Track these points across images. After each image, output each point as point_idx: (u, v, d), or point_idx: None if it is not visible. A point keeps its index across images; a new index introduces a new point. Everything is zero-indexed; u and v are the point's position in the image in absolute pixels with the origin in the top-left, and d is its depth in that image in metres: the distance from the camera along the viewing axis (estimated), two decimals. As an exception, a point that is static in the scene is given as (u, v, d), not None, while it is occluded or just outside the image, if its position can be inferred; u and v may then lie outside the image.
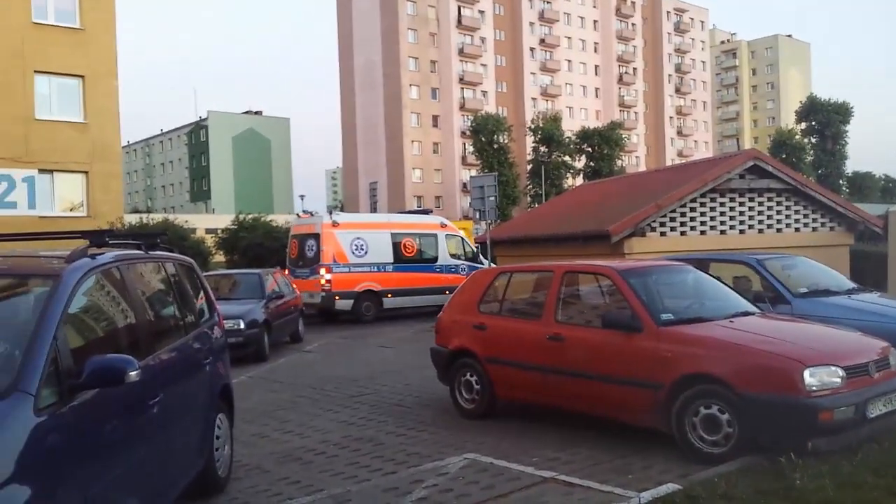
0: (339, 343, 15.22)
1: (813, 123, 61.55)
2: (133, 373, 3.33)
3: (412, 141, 75.61)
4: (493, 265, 17.85)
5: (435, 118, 77.11)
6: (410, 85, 75.39)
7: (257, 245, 24.39)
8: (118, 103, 23.17)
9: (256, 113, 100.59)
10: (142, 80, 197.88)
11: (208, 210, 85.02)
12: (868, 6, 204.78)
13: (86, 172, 22.33)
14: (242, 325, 11.90)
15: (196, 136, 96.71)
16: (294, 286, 16.58)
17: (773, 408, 5.26)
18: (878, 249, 17.75)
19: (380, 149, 76.83)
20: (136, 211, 55.98)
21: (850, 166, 65.26)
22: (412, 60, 75.61)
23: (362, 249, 18.86)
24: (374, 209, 29.04)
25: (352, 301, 18.65)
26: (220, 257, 25.87)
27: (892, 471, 4.88)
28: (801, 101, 67.09)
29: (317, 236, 18.62)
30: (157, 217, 28.07)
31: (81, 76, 22.21)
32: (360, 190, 76.23)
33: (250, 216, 26.30)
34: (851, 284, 9.20)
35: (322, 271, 18.27)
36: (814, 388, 5.21)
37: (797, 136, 62.10)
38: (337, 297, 18.43)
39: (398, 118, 74.87)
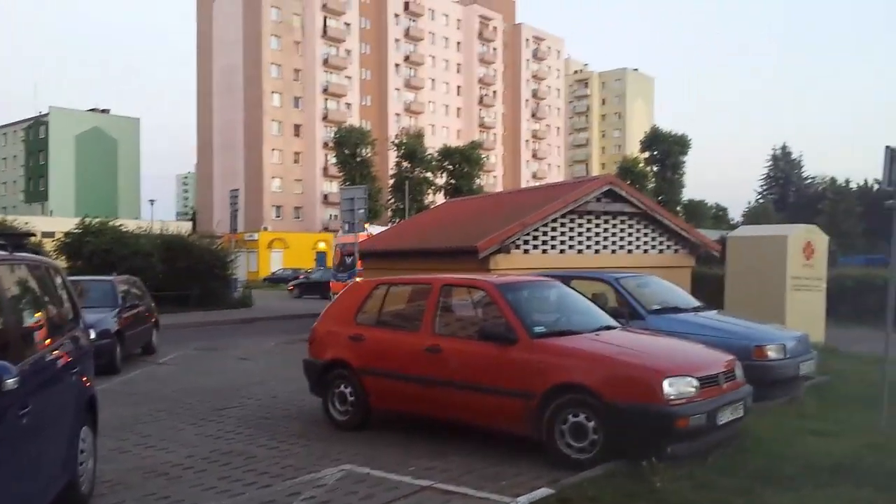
0: (195, 355, 14.62)
1: (655, 153, 65.88)
2: (10, 380, 3.11)
3: (272, 149, 73.97)
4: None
5: (297, 127, 75.90)
6: (272, 92, 73.84)
7: (104, 251, 23.02)
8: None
9: (103, 111, 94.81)
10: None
11: (45, 212, 78.93)
12: (705, 48, 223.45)
13: None
14: (93, 335, 11.15)
15: (34, 132, 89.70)
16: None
17: (635, 415, 5.63)
18: (713, 272, 19.32)
19: (237, 155, 74.55)
20: (-40, 210, 50.93)
21: (686, 194, 70.45)
22: (275, 67, 74.12)
23: None
24: (234, 217, 28.15)
25: None
26: (62, 263, 24.14)
27: (739, 473, 5.37)
28: (645, 132, 71.69)
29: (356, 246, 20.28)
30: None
31: None
32: (216, 197, 73.59)
33: (97, 220, 24.79)
34: (697, 302, 9.99)
35: (358, 276, 19.60)
36: (672, 397, 5.64)
37: (641, 165, 66.26)
38: None
39: (258, 125, 73.04)
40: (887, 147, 7.24)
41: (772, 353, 8.14)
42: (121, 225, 25.44)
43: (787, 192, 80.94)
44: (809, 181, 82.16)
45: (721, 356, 6.49)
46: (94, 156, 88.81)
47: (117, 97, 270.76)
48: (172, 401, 9.46)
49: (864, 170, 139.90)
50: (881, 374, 7.29)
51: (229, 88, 74.94)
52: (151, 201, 61.80)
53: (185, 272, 25.09)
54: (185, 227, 47.37)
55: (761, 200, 78.99)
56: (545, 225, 14.14)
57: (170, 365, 13.27)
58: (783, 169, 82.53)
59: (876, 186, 64.17)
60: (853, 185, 72.35)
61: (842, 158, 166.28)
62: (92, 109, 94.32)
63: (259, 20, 72.79)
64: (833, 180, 74.67)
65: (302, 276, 42.51)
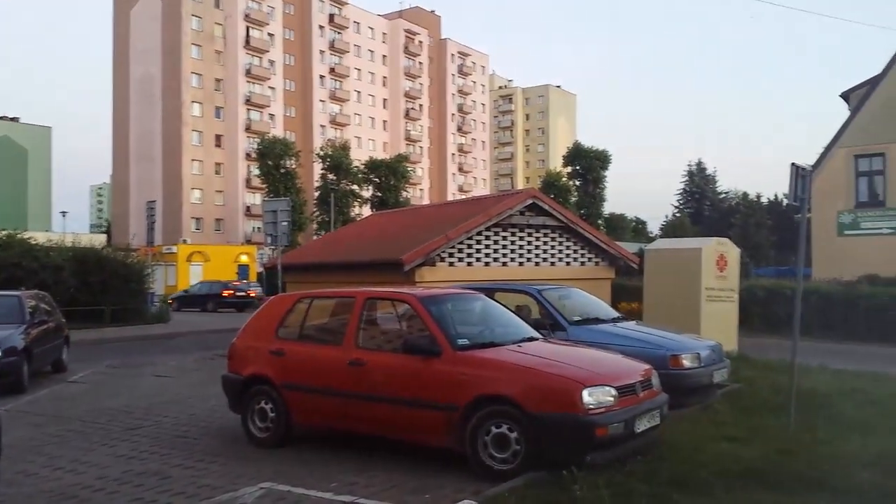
0: (108, 373, 14.05)
1: (577, 168, 67.40)
2: None
3: (192, 160, 72.13)
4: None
5: (218, 138, 74.30)
6: (192, 102, 72.09)
7: (13, 265, 21.95)
8: None
9: (12, 119, 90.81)
10: None
11: (-53, 224, 74.77)
12: (625, 66, 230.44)
13: None
14: (-1, 353, 10.65)
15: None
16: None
17: (556, 425, 5.70)
18: (633, 283, 19.86)
19: (155, 166, 72.40)
20: None
21: (608, 208, 72.27)
22: (195, 77, 72.45)
23: None
24: (150, 229, 27.31)
25: None
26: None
27: (656, 479, 5.49)
28: (567, 147, 73.27)
29: None
30: None
31: None
32: (132, 208, 71.30)
33: (4, 232, 23.67)
34: (616, 313, 10.25)
35: None
36: (591, 407, 5.73)
37: (564, 179, 67.72)
38: None
39: (177, 135, 71.14)
40: (792, 164, 7.59)
41: (687, 362, 8.40)
42: (30, 237, 24.34)
43: (703, 206, 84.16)
44: (723, 196, 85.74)
45: (638, 366, 6.65)
46: (2, 165, 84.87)
47: (28, 105, 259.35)
48: (83, 421, 9.05)
49: (773, 184, 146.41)
50: (790, 380, 7.61)
51: (147, 97, 72.84)
52: (63, 213, 59.75)
53: (99, 286, 24.16)
54: (99, 239, 45.71)
55: (678, 214, 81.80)
56: (470, 238, 14.24)
57: (81, 383, 12.72)
58: (698, 184, 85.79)
59: (785, 201, 67.35)
60: (764, 200, 75.86)
61: (753, 174, 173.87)
62: (0, 117, 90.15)
63: (179, 29, 71.10)
64: (745, 195, 78.12)
65: (181, 290, 42.56)
